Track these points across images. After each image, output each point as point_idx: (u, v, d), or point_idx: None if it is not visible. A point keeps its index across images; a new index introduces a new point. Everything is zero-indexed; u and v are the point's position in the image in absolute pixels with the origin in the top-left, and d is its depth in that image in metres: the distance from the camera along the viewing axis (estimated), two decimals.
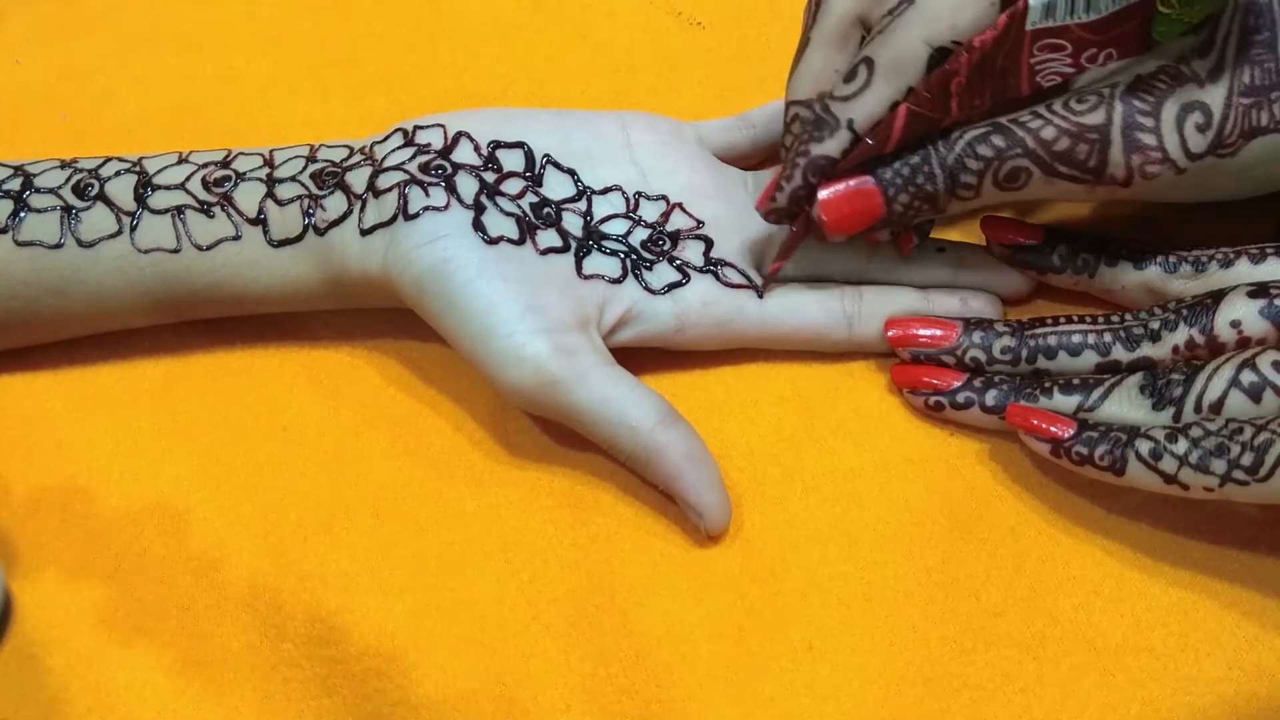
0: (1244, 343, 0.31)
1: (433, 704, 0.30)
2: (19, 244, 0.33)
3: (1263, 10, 0.32)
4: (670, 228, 0.36)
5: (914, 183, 0.32)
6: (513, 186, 0.35)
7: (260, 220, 0.34)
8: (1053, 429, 0.31)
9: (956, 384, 0.34)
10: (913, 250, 0.36)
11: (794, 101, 0.34)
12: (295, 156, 0.35)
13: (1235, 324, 0.31)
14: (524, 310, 0.32)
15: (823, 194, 0.33)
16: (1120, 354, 0.33)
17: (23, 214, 0.34)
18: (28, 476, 0.34)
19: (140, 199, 0.34)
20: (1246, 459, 0.28)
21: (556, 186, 0.36)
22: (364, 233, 0.33)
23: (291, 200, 0.34)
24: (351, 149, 0.36)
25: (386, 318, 0.36)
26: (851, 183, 0.33)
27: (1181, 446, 0.29)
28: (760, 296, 0.35)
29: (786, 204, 0.33)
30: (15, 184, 0.34)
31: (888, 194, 0.32)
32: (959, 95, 0.31)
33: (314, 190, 0.34)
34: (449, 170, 0.34)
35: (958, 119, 0.32)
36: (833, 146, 0.32)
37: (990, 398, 0.33)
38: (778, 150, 0.40)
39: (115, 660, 0.31)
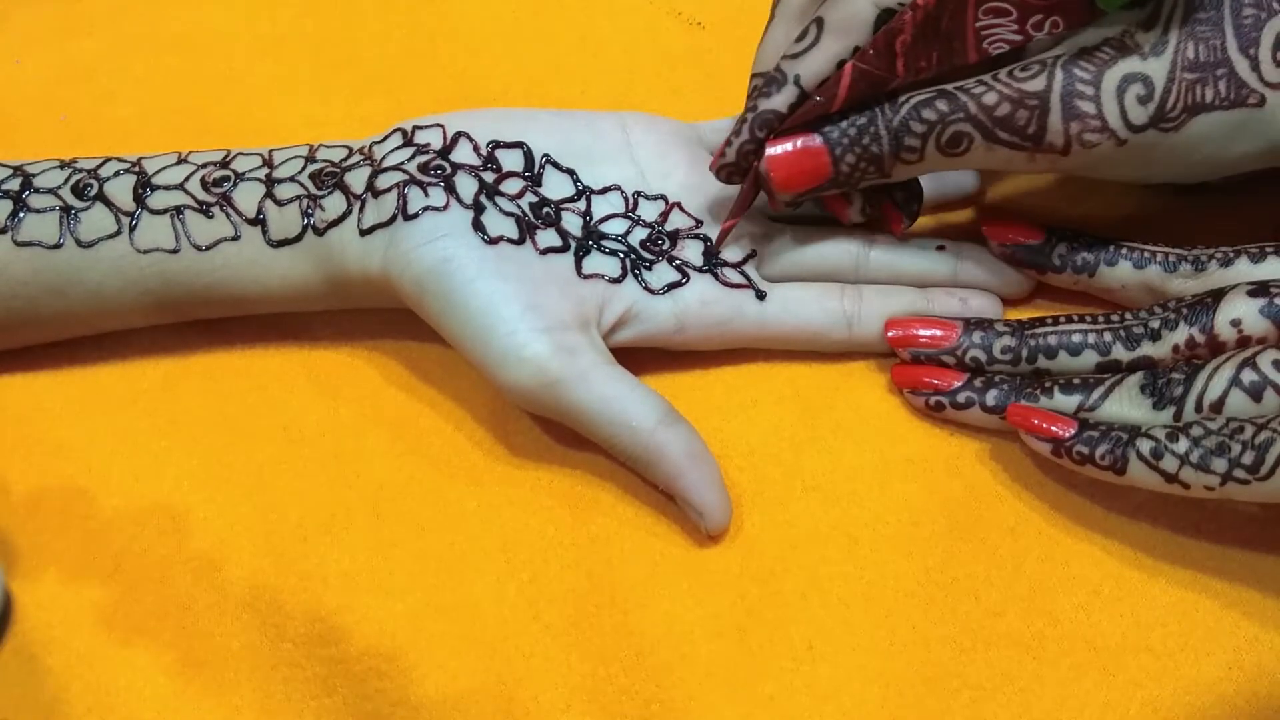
0: (1244, 341, 0.31)
1: (433, 704, 0.30)
2: (18, 244, 0.33)
3: None
4: (669, 227, 0.36)
5: (860, 143, 0.33)
6: (512, 186, 0.35)
7: (259, 220, 0.34)
8: (1053, 428, 0.31)
9: (957, 384, 0.34)
10: (912, 250, 0.36)
11: (756, 74, 0.35)
12: (294, 157, 0.35)
13: (1235, 323, 0.31)
14: (524, 309, 0.32)
15: (770, 150, 0.33)
16: (1121, 353, 0.33)
17: (22, 214, 0.34)
18: (28, 476, 0.34)
19: (139, 199, 0.34)
20: (1247, 458, 0.28)
21: (556, 186, 0.36)
22: (363, 233, 0.33)
23: (290, 200, 0.34)
24: (350, 149, 0.36)
25: (386, 318, 0.36)
26: (799, 141, 0.33)
27: (1182, 445, 0.29)
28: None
29: (735, 159, 0.34)
30: (14, 184, 0.34)
31: (834, 153, 0.33)
32: (904, 55, 0.32)
33: (313, 190, 0.34)
34: (448, 170, 0.34)
35: (905, 80, 0.32)
36: (779, 101, 0.33)
37: (991, 397, 0.33)
38: None
39: (115, 660, 0.31)
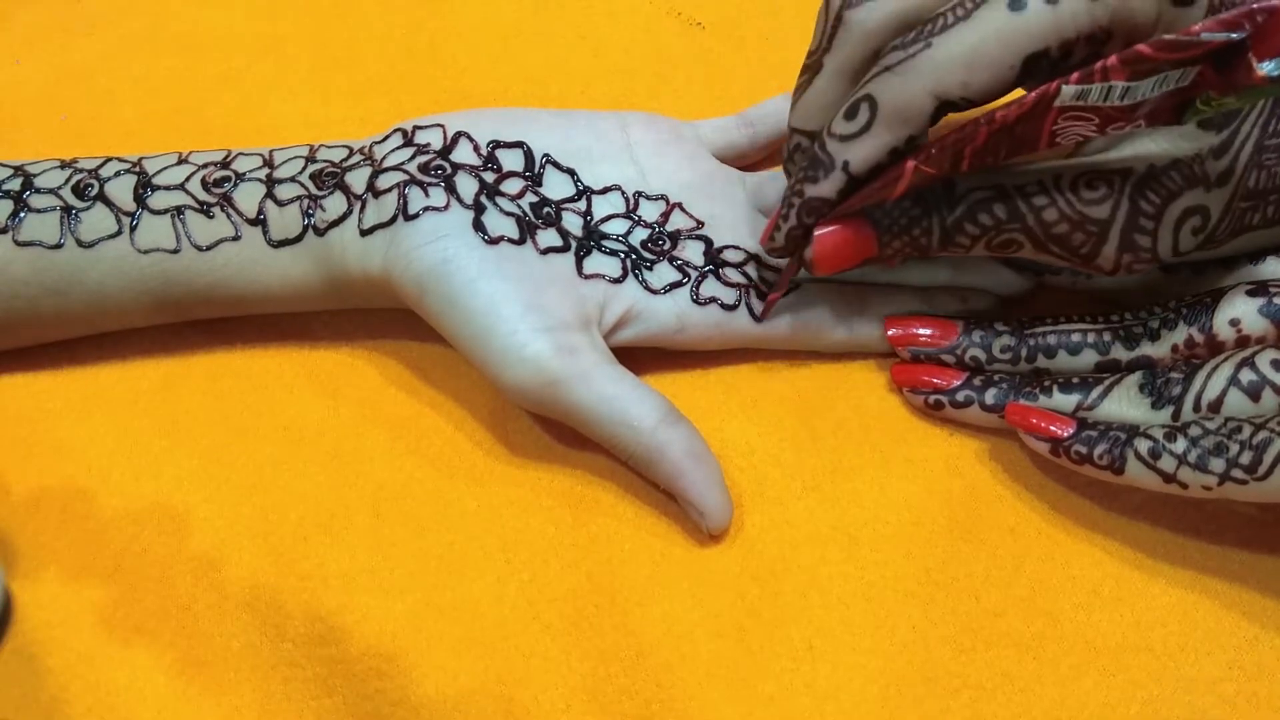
0: (1243, 341, 0.31)
1: (433, 704, 0.30)
2: (19, 244, 0.33)
3: None
4: (670, 227, 0.36)
5: (910, 233, 0.32)
6: (512, 186, 0.35)
7: (260, 220, 0.34)
8: (1052, 428, 0.31)
9: (956, 383, 0.34)
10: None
11: (798, 130, 0.33)
12: (295, 157, 0.35)
13: (1234, 322, 0.31)
14: (525, 309, 0.32)
15: (820, 231, 0.32)
16: (1119, 353, 0.33)
17: (23, 214, 0.34)
18: (28, 476, 0.34)
19: (140, 199, 0.34)
20: (1245, 458, 0.28)
21: (556, 186, 0.36)
22: (364, 233, 0.33)
23: (291, 200, 0.34)
24: (351, 149, 0.36)
25: (386, 318, 0.36)
26: (849, 226, 0.32)
27: (1180, 445, 0.29)
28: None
29: (784, 243, 0.33)
30: (15, 184, 0.34)
31: (882, 239, 0.32)
32: (971, 158, 0.30)
33: (313, 191, 0.34)
34: (448, 170, 0.34)
35: (967, 173, 0.31)
36: (828, 188, 0.31)
37: (990, 396, 0.33)
38: (777, 150, 0.40)
39: (115, 660, 0.31)
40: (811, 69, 0.32)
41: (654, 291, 0.35)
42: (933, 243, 0.32)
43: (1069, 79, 0.28)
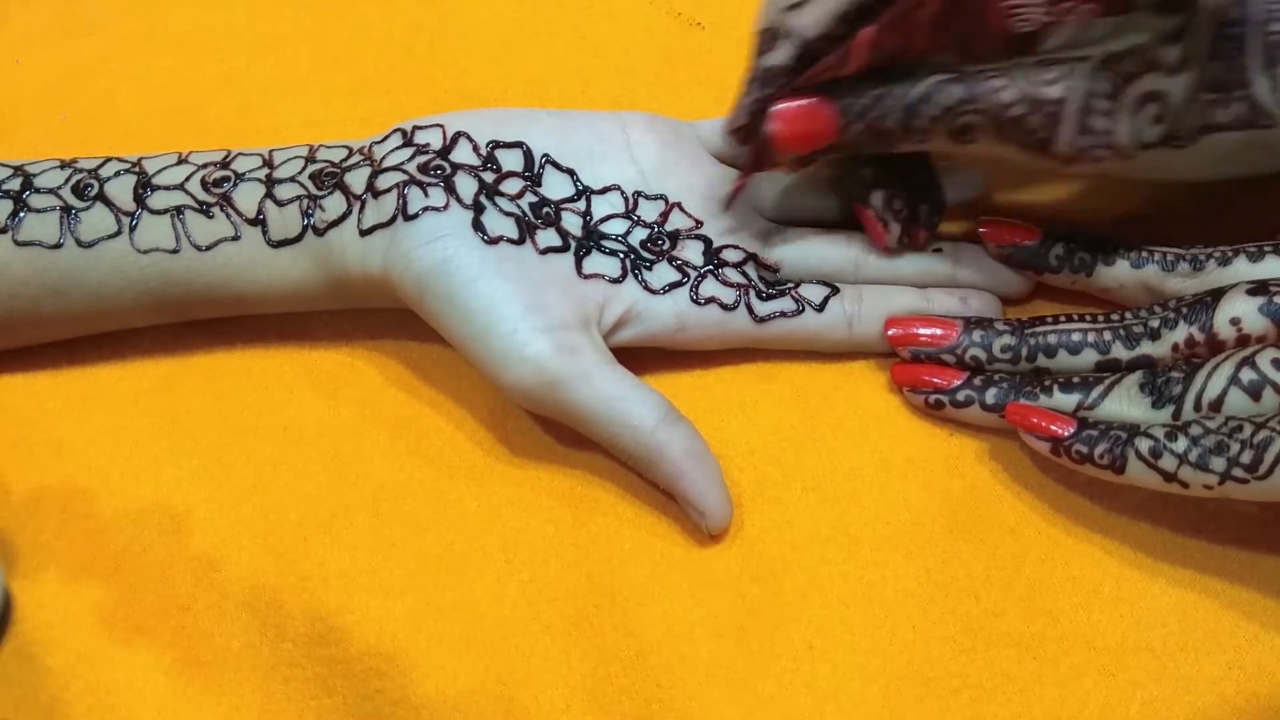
0: (1244, 340, 0.31)
1: (433, 704, 0.30)
2: (19, 244, 0.33)
3: (1242, 2, 0.31)
4: (670, 228, 0.36)
5: (871, 113, 0.32)
6: (512, 186, 0.35)
7: (259, 220, 0.34)
8: (1052, 427, 0.31)
9: (957, 382, 0.34)
10: (911, 252, 0.36)
11: (759, 29, 0.33)
12: (294, 157, 0.35)
13: (1235, 321, 0.31)
14: (525, 309, 0.32)
15: (779, 105, 0.32)
16: (1120, 352, 0.33)
17: (22, 214, 0.34)
18: (28, 476, 0.34)
19: (139, 199, 0.34)
20: (1246, 457, 0.28)
21: (555, 186, 0.36)
22: (363, 233, 0.33)
23: (290, 201, 0.34)
24: (350, 149, 0.36)
25: (386, 318, 0.36)
26: (810, 100, 0.32)
27: (1181, 444, 0.29)
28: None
29: (747, 119, 0.33)
30: (15, 184, 0.34)
31: (844, 119, 0.32)
32: (926, 28, 0.31)
33: (313, 191, 0.34)
34: (448, 170, 0.34)
35: (925, 51, 0.31)
36: (781, 56, 0.32)
37: (990, 396, 0.33)
38: None
39: (115, 660, 0.31)
40: None
41: (653, 291, 0.35)
42: (893, 124, 0.32)
43: None
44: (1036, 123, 0.31)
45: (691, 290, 0.35)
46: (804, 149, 0.33)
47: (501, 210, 0.34)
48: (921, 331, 0.35)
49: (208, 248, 0.34)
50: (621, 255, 0.35)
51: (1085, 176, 0.35)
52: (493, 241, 0.33)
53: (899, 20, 0.30)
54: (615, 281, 0.34)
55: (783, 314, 0.35)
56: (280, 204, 0.34)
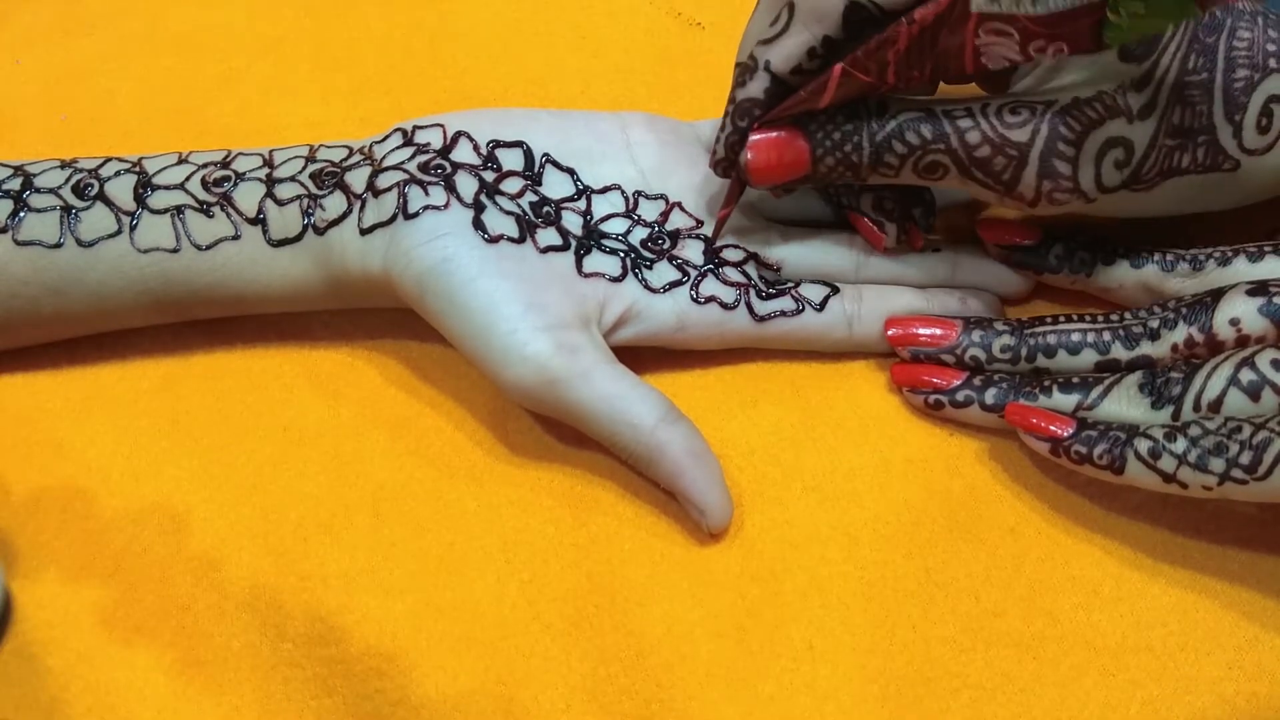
0: (1243, 341, 0.31)
1: (433, 704, 0.30)
2: (19, 244, 0.33)
3: (1207, 50, 0.32)
4: (670, 227, 0.36)
5: (842, 149, 0.33)
6: (512, 185, 0.35)
7: (259, 220, 0.34)
8: (1052, 428, 0.31)
9: (956, 382, 0.34)
10: (911, 252, 0.36)
11: (737, 63, 0.34)
12: (295, 157, 0.35)
13: (1234, 322, 0.31)
14: (525, 308, 0.32)
15: (754, 136, 0.33)
16: (1119, 352, 0.33)
17: (22, 214, 0.34)
18: (28, 476, 0.34)
19: (140, 199, 0.34)
20: (1245, 457, 0.28)
21: (556, 185, 0.36)
22: (363, 232, 0.33)
23: (291, 200, 0.34)
24: (351, 149, 0.36)
25: (386, 318, 0.36)
26: (783, 133, 0.33)
27: (1180, 445, 0.29)
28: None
29: (725, 152, 0.34)
30: (15, 184, 0.34)
31: (815, 152, 0.33)
32: (896, 64, 0.31)
33: (313, 190, 0.34)
34: (448, 169, 0.34)
35: (895, 86, 0.32)
36: (755, 89, 0.33)
37: (990, 396, 0.33)
38: None
39: (115, 660, 0.31)
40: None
41: (654, 290, 0.35)
42: (863, 160, 0.33)
43: None
44: (1001, 164, 0.32)
45: (692, 289, 0.35)
46: (776, 179, 0.34)
47: (502, 209, 0.34)
48: (921, 331, 0.35)
49: (208, 247, 0.34)
50: (622, 254, 0.35)
51: (1047, 217, 0.35)
52: (493, 240, 0.33)
53: (869, 56, 0.31)
54: (615, 280, 0.34)
55: (783, 313, 0.35)
56: (280, 203, 0.34)
